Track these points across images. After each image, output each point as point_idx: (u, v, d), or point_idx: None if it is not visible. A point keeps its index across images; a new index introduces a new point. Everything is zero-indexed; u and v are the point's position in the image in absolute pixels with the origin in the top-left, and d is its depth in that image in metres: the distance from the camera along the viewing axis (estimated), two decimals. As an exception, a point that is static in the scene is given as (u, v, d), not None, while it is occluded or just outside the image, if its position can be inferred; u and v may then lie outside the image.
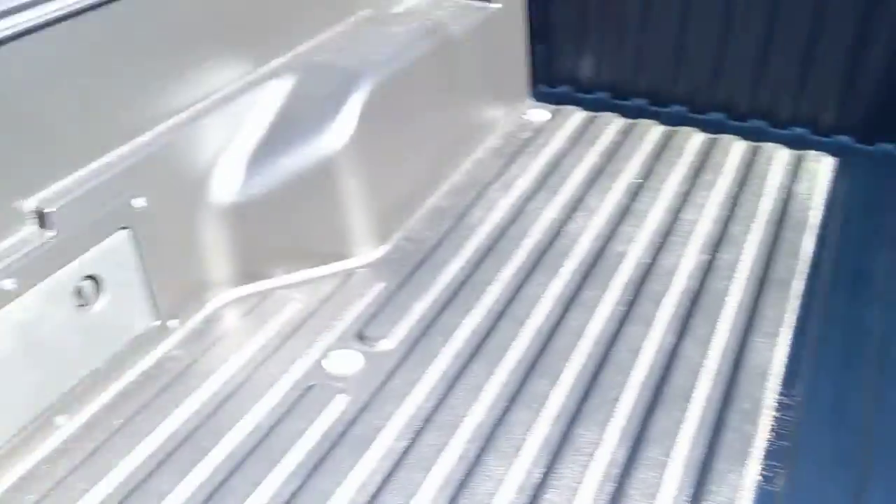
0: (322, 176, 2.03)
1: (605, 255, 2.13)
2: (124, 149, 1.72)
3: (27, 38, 1.47)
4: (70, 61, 1.57)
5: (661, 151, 2.59)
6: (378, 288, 2.05)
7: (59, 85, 1.55)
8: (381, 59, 2.18)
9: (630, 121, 2.75)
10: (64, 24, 1.53)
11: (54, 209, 1.54)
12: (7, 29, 1.40)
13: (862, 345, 1.84)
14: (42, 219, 1.54)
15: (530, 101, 2.87)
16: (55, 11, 1.49)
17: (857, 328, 1.88)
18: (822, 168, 2.46)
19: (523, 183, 2.43)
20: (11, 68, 1.45)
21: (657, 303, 1.98)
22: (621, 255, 2.12)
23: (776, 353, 1.82)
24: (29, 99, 1.51)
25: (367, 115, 2.07)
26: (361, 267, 2.12)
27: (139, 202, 1.69)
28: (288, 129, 2.00)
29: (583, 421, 1.67)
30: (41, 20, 1.47)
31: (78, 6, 1.53)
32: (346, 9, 2.34)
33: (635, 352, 1.83)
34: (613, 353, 1.83)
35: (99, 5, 1.58)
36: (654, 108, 2.80)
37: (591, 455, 1.59)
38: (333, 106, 2.05)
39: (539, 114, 2.79)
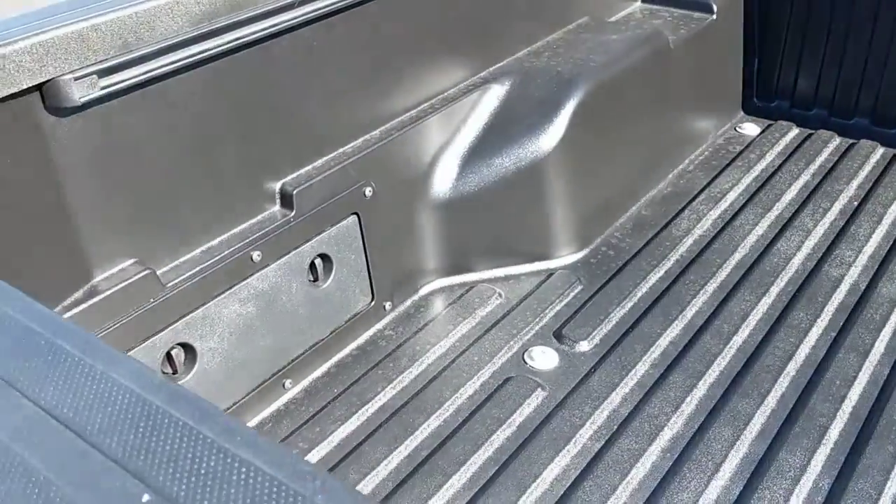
0: (531, 177, 2.09)
1: (818, 277, 2.05)
2: (357, 142, 1.86)
3: (285, 37, 1.63)
4: (319, 61, 1.72)
5: (884, 175, 2.45)
6: (577, 290, 2.09)
7: (308, 81, 1.71)
8: (595, 66, 2.21)
9: (849, 140, 2.62)
10: (315, 26, 1.68)
11: (297, 192, 1.70)
12: (268, 28, 1.56)
13: None
14: (286, 200, 1.70)
15: (743, 115, 2.80)
16: (309, 14, 1.64)
17: None
18: None
19: (732, 196, 2.38)
20: (271, 65, 1.62)
21: (874, 332, 1.88)
22: (836, 280, 2.03)
23: None
24: (283, 93, 1.67)
25: (578, 120, 2.11)
26: (561, 268, 2.16)
27: (368, 191, 1.83)
28: (503, 130, 2.08)
29: (787, 444, 1.62)
30: (296, 21, 1.62)
31: (328, 10, 1.68)
32: (564, 17, 2.39)
33: (848, 381, 1.75)
34: (823, 380, 1.76)
35: (345, 9, 1.73)
36: (877, 129, 2.64)
37: (796, 480, 1.55)
38: (546, 110, 2.11)
39: (751, 128, 2.72)
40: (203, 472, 0.53)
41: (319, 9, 1.66)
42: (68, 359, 0.62)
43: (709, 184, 2.45)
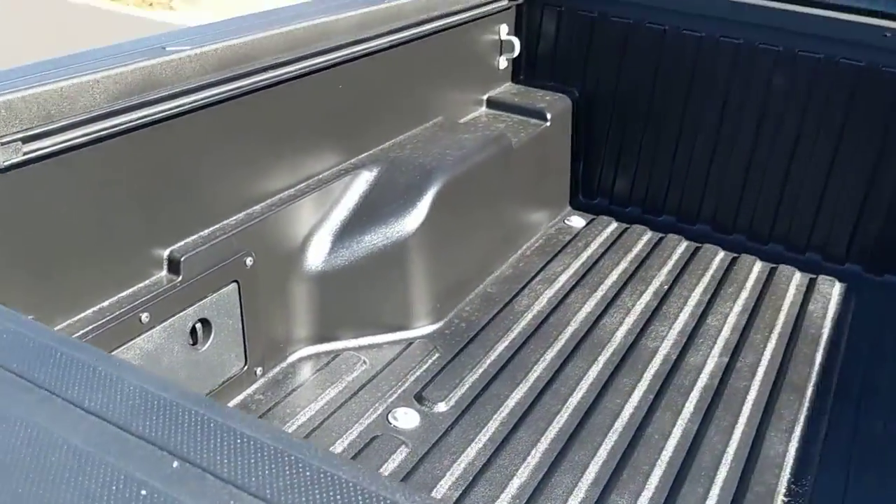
0: (395, 255, 2.31)
1: (638, 348, 2.39)
2: (240, 215, 2.01)
3: (184, 118, 1.78)
4: (211, 140, 1.88)
5: (688, 264, 2.88)
6: (434, 357, 2.30)
7: (201, 158, 1.86)
8: (452, 160, 2.50)
9: (659, 234, 3.05)
10: (209, 109, 1.84)
11: (185, 259, 1.82)
12: (171, 109, 1.72)
13: (864, 445, 2.07)
14: (174, 266, 1.82)
15: (570, 209, 3.20)
16: (204, 100, 1.80)
17: (861, 432, 2.12)
18: (833, 292, 2.74)
19: (564, 278, 2.71)
20: (171, 142, 1.76)
21: (684, 394, 2.22)
22: (652, 350, 2.38)
23: (789, 447, 2.05)
24: (179, 167, 1.81)
25: (437, 206, 2.38)
26: (420, 338, 2.38)
27: (249, 260, 1.97)
28: (371, 211, 2.30)
29: (617, 489, 1.89)
30: (194, 105, 1.78)
31: (220, 97, 1.86)
32: (423, 116, 2.69)
33: (664, 434, 2.06)
34: (644, 434, 2.06)
35: (235, 97, 1.91)
36: (681, 225, 3.10)
37: (625, 516, 1.81)
38: (410, 195, 2.36)
39: (578, 220, 3.11)
40: (215, 445, 0.69)
41: (213, 96, 1.83)
42: (85, 367, 0.76)
43: (543, 267, 2.78)
